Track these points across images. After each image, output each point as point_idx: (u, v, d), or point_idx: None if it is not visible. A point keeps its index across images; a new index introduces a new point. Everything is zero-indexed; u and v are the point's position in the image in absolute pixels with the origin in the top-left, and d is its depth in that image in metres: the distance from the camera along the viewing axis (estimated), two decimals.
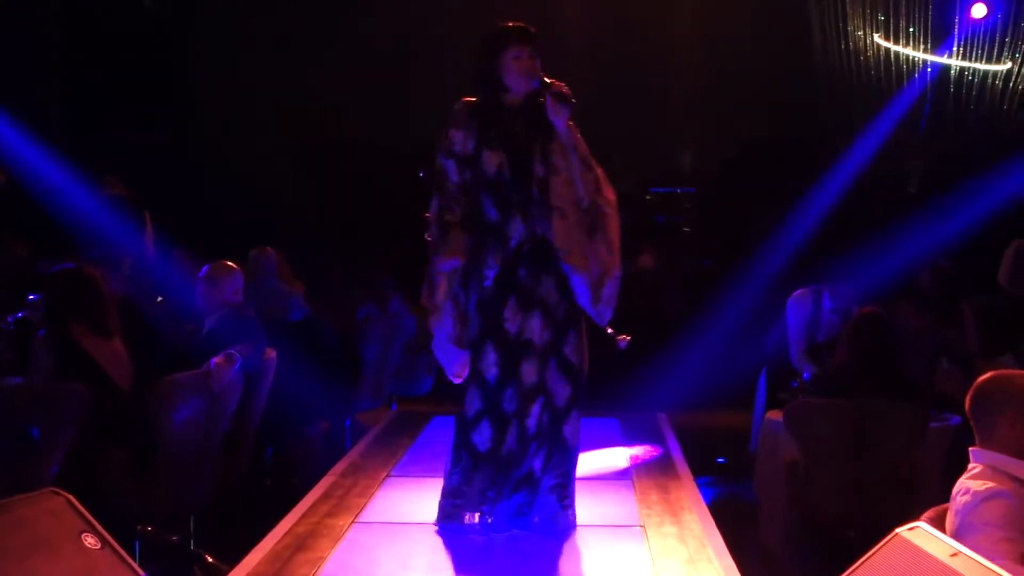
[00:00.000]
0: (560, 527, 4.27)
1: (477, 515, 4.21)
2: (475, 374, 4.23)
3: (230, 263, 5.51)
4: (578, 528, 4.32)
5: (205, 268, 5.43)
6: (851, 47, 10.56)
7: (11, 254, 6.84)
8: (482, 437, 4.22)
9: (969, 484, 2.83)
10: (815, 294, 6.12)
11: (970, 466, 2.91)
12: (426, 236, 4.32)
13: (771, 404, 5.76)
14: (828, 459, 4.54)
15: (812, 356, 5.77)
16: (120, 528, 3.00)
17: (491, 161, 4.19)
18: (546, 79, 4.16)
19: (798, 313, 6.07)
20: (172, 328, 5.71)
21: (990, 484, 2.79)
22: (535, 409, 4.21)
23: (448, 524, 4.26)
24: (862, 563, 2.46)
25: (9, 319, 5.29)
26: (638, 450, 5.79)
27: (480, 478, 4.23)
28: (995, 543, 2.64)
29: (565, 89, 4.11)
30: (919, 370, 5.63)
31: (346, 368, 6.72)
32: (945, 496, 2.92)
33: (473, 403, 4.23)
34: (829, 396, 4.88)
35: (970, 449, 2.93)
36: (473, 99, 4.29)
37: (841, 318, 5.93)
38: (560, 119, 4.15)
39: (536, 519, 4.27)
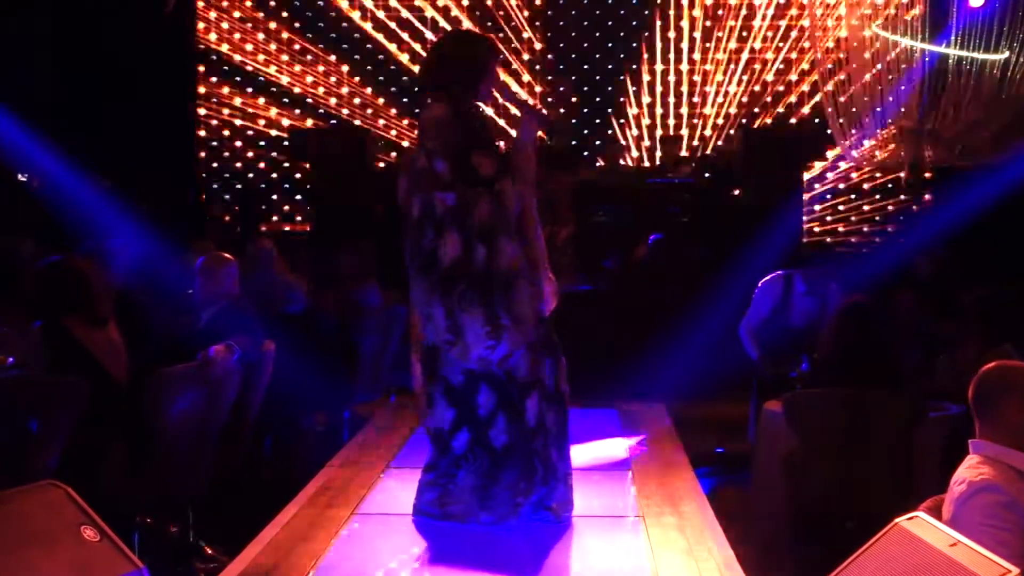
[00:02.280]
0: (570, 513, 4.30)
1: (512, 508, 4.21)
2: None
3: (226, 255, 5.50)
4: (577, 519, 4.33)
5: (200, 260, 5.41)
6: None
7: (19, 250, 6.81)
8: (498, 432, 4.24)
9: (966, 475, 2.84)
10: (785, 279, 6.21)
11: (969, 457, 2.91)
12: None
13: (767, 393, 5.76)
14: (826, 449, 4.53)
15: (795, 345, 5.79)
16: (118, 520, 2.99)
17: (484, 164, 4.20)
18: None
19: (766, 295, 6.21)
20: (182, 321, 5.69)
21: (986, 476, 2.79)
22: (532, 402, 4.22)
23: (475, 521, 4.23)
24: (861, 553, 2.45)
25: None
26: (637, 440, 5.79)
27: (507, 474, 4.24)
28: (987, 535, 2.64)
29: (548, 111, 4.27)
30: (915, 359, 5.62)
31: (344, 360, 6.69)
32: (944, 486, 2.92)
33: (488, 401, 4.24)
34: (817, 386, 4.88)
35: (970, 441, 2.93)
36: (444, 104, 4.22)
37: (818, 302, 6.01)
38: (532, 133, 4.34)
39: (553, 507, 4.27)
